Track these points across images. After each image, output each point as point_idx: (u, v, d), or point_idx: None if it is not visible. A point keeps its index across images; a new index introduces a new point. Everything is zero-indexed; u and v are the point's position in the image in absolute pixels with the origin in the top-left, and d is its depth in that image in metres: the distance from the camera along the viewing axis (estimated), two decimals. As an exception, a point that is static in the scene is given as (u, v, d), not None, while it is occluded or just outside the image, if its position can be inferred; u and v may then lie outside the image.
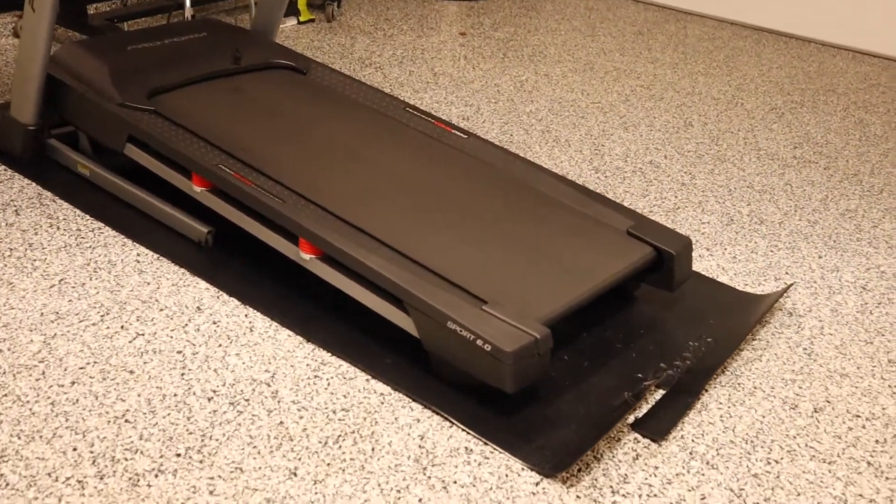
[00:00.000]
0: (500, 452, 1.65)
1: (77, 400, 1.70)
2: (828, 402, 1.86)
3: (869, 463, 1.70)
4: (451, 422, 1.72)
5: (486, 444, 1.67)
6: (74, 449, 1.59)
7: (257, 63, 2.61)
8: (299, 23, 3.90)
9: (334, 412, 1.72)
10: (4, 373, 1.75)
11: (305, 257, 1.96)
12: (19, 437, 1.60)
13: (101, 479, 1.53)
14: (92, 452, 1.58)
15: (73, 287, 2.02)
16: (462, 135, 2.37)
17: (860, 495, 1.62)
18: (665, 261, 2.02)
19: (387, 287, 1.80)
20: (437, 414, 1.74)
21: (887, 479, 1.66)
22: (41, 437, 1.61)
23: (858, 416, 1.82)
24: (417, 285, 1.77)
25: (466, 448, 1.66)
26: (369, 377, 1.82)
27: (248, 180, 2.04)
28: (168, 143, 2.15)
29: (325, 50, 3.62)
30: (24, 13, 2.31)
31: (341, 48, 3.66)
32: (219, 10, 3.97)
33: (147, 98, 2.33)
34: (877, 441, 1.76)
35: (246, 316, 1.98)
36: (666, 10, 4.52)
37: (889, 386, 1.92)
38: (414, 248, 1.90)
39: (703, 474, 1.64)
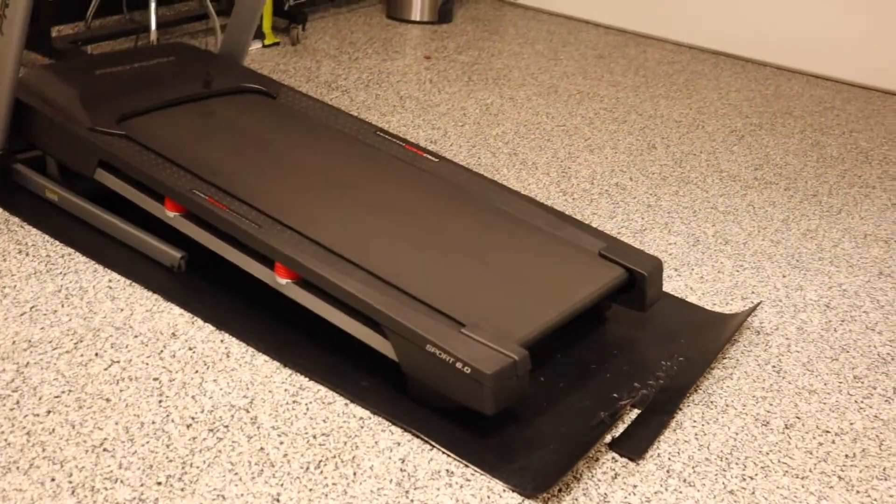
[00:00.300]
0: (482, 474, 1.67)
1: (53, 429, 1.68)
2: (798, 418, 1.90)
3: (840, 477, 1.74)
4: (431, 445, 1.73)
5: (466, 466, 1.68)
6: (52, 479, 1.57)
7: (227, 87, 2.61)
8: (264, 46, 3.91)
9: (314, 437, 1.73)
10: (-22, 402, 1.73)
11: (282, 282, 1.96)
12: (-5, 468, 1.58)
13: (81, 509, 1.51)
14: (71, 483, 1.57)
15: (45, 314, 2.00)
16: (433, 158, 2.39)
17: (833, 510, 1.66)
18: (637, 282, 2.05)
19: (365, 311, 1.81)
20: (417, 437, 1.74)
21: (857, 492, 1.70)
22: (17, 467, 1.59)
23: (828, 432, 1.86)
24: (396, 309, 1.78)
25: (448, 471, 1.67)
26: (348, 401, 1.83)
27: (223, 205, 2.04)
28: (141, 168, 2.14)
29: (291, 73, 3.63)
30: (-9, 38, 2.30)
31: (307, 71, 3.67)
32: (182, 34, 3.96)
33: (117, 123, 2.32)
34: (846, 456, 1.80)
35: (222, 341, 1.97)
36: (625, 34, 4.60)
37: (855, 401, 1.97)
38: (390, 271, 1.91)
39: (680, 492, 1.67)
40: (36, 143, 2.41)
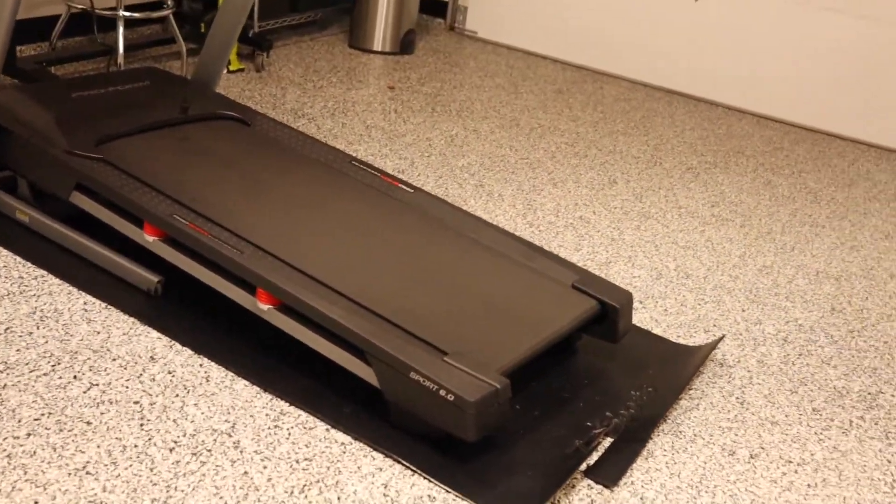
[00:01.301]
0: (463, 499, 1.70)
1: (34, 452, 1.68)
2: (762, 448, 1.97)
3: (804, 505, 1.82)
4: (413, 470, 1.76)
5: (448, 491, 1.72)
6: (36, 502, 1.56)
7: (203, 114, 2.62)
8: (229, 72, 3.92)
9: (297, 462, 1.75)
10: (-44, 424, 1.71)
11: (263, 308, 1.98)
12: (-22, 491, 1.57)
13: (67, 532, 1.51)
14: (55, 505, 1.56)
15: (21, 336, 1.99)
16: (408, 189, 2.44)
17: (798, 536, 1.73)
18: (609, 314, 2.12)
19: (349, 338, 1.84)
20: (399, 463, 1.78)
21: (821, 520, 1.78)
22: (0, 490, 1.58)
23: (790, 462, 1.94)
24: (380, 337, 1.82)
25: (429, 496, 1.71)
26: (329, 427, 1.85)
27: (205, 230, 2.06)
28: (120, 192, 2.15)
29: (257, 100, 3.65)
30: (-31, 57, 2.29)
31: (273, 98, 3.70)
32: (146, 57, 3.96)
33: (95, 146, 2.32)
34: (808, 485, 1.88)
35: (201, 366, 1.98)
36: (582, 71, 4.72)
37: (815, 433, 2.05)
38: (372, 299, 1.95)
39: (654, 519, 1.73)
40: (9, 165, 2.40)
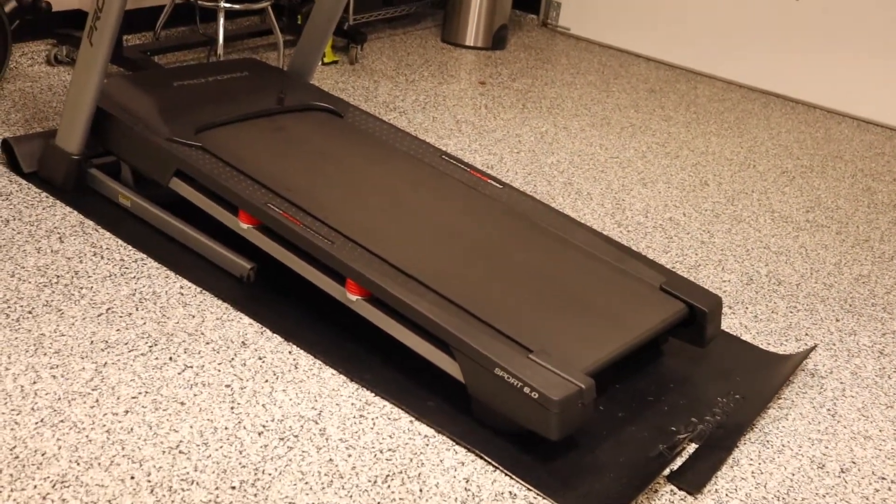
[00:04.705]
0: (545, 498, 1.70)
1: (132, 429, 1.74)
2: (853, 462, 1.92)
3: (896, 524, 1.76)
4: (494, 466, 1.77)
5: (529, 489, 1.72)
6: (132, 477, 1.63)
7: (298, 104, 2.68)
8: (323, 64, 3.98)
9: (381, 452, 1.77)
10: (59, 399, 1.79)
11: (352, 298, 2.01)
12: (78, 464, 1.64)
13: (160, 508, 1.57)
14: (149, 482, 1.62)
15: (121, 316, 2.07)
16: (497, 185, 2.44)
17: (889, 555, 1.68)
18: (697, 317, 2.09)
19: (436, 332, 1.86)
20: (481, 458, 1.79)
21: (913, 540, 1.73)
22: (99, 464, 1.64)
23: (884, 479, 1.89)
24: (466, 332, 1.83)
25: (511, 493, 1.71)
26: (413, 419, 1.87)
27: (297, 220, 2.10)
28: (217, 180, 2.21)
29: (350, 92, 3.70)
30: (80, 46, 2.38)
31: (365, 91, 3.74)
32: (244, 48, 4.05)
33: (194, 134, 2.39)
34: (902, 503, 1.82)
35: (290, 353, 2.03)
36: (676, 70, 4.65)
37: (910, 449, 1.99)
38: (460, 294, 1.96)
39: (738, 528, 1.70)
40: (113, 150, 2.49)
